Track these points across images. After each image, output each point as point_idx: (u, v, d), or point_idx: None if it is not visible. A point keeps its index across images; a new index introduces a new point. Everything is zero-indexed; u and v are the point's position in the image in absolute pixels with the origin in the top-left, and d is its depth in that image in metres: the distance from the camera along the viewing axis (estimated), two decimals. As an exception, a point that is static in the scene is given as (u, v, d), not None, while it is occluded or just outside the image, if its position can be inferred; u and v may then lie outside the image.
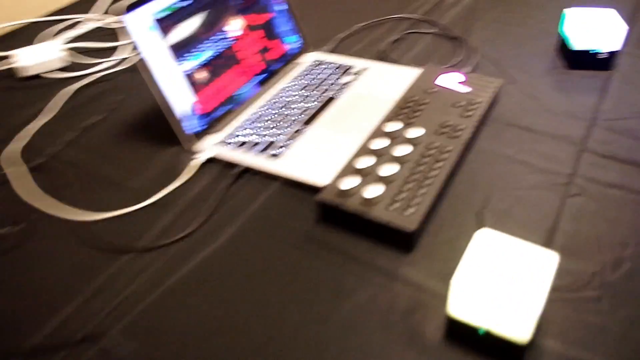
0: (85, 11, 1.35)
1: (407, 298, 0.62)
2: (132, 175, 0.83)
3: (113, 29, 1.27)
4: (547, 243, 0.67)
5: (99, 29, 1.28)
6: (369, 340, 0.57)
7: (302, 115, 0.90)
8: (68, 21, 1.31)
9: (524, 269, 0.53)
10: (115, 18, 1.30)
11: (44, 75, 1.10)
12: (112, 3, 1.39)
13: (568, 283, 0.62)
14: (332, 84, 0.98)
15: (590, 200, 0.74)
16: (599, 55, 0.99)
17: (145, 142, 0.90)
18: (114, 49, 1.19)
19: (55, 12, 1.36)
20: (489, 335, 0.54)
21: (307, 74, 1.01)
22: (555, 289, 0.61)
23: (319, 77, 1.00)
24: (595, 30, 0.97)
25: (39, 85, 1.08)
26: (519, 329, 0.52)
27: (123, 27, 1.26)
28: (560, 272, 0.63)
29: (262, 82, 0.98)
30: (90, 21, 1.30)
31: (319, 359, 0.56)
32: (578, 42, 0.99)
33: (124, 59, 1.14)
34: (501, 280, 0.52)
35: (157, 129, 0.92)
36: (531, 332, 0.53)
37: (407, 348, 0.56)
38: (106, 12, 1.35)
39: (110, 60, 1.13)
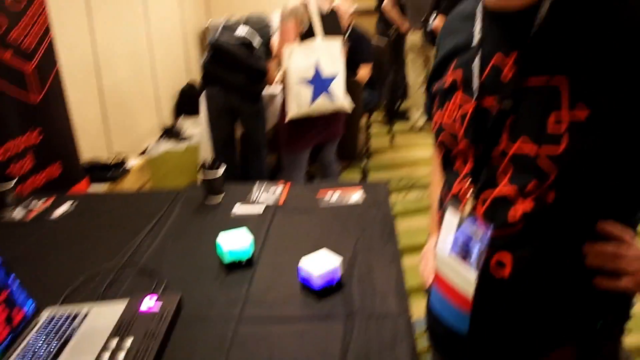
0: None
1: None
2: None
3: None
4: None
5: None
6: None
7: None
8: None
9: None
10: None
11: None
12: None
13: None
14: (65, 328, 1.36)
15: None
16: (242, 262, 1.55)
17: None
18: None
19: None
20: None
21: (44, 327, 1.38)
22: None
23: (54, 326, 1.38)
24: (236, 246, 1.54)
25: None
26: None
27: None
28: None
29: (7, 346, 1.32)
30: None
31: None
32: (227, 257, 1.54)
33: None
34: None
35: None
36: None
37: None
38: None
39: None
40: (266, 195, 2.10)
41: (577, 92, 0.85)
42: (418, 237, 3.14)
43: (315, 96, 3.05)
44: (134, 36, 5.29)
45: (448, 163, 1.09)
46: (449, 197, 1.07)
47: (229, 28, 3.57)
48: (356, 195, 2.04)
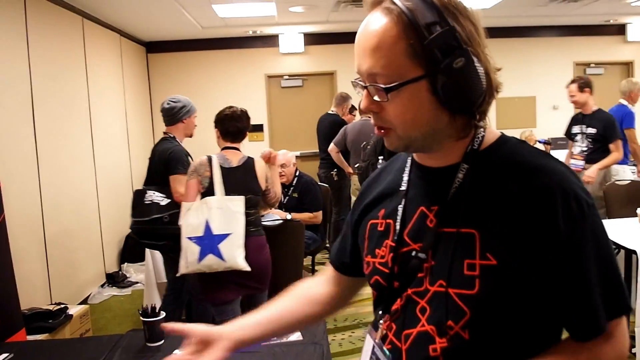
0: None
1: None
2: None
3: None
4: None
5: None
6: None
7: None
8: None
9: None
10: None
11: None
12: None
13: None
14: None
15: None
16: None
17: None
18: None
19: None
20: None
21: None
22: None
23: None
24: None
25: None
26: None
27: None
28: None
29: None
30: None
31: None
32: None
33: None
34: None
35: None
36: None
37: None
38: None
39: None
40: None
41: (486, 245, 0.97)
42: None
43: (202, 254, 2.94)
44: (81, 185, 5.41)
45: (381, 302, 1.16)
46: (377, 334, 1.15)
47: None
48: (295, 335, 2.11)
